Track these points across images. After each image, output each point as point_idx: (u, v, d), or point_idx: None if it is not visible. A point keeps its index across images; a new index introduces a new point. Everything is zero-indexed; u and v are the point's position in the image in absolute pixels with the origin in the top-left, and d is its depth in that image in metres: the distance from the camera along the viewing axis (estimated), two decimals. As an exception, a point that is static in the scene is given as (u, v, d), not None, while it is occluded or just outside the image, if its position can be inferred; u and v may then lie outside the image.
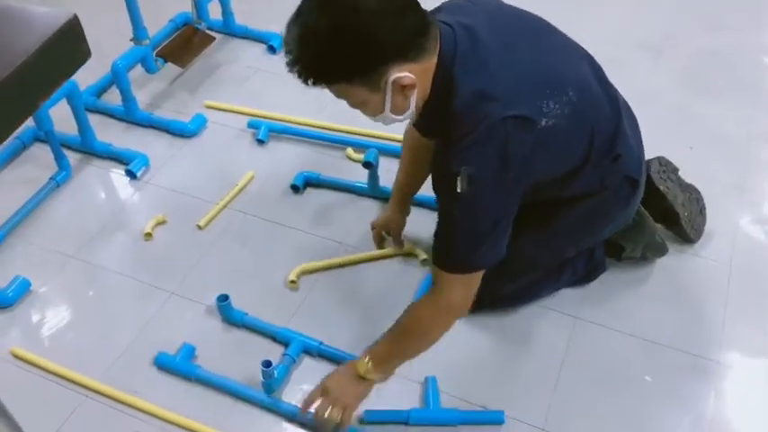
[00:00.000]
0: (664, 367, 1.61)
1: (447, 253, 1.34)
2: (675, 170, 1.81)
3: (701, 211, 1.83)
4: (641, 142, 1.59)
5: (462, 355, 1.64)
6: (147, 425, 1.52)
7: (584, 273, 1.73)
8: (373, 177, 1.93)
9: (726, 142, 2.13)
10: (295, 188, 2.00)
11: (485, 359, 1.63)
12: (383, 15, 1.17)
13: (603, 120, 1.43)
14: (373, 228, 1.82)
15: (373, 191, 1.96)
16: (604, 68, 1.53)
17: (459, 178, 1.24)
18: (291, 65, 1.23)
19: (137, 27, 2.16)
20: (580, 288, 1.75)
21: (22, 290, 1.76)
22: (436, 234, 1.36)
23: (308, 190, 2.02)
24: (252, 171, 2.07)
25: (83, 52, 0.63)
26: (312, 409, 1.43)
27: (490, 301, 1.62)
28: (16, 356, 1.64)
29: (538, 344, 1.66)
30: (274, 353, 1.62)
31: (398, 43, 1.20)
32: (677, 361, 1.62)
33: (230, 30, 2.55)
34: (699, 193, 1.84)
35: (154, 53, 2.27)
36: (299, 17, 1.22)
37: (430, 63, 1.26)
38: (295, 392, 1.57)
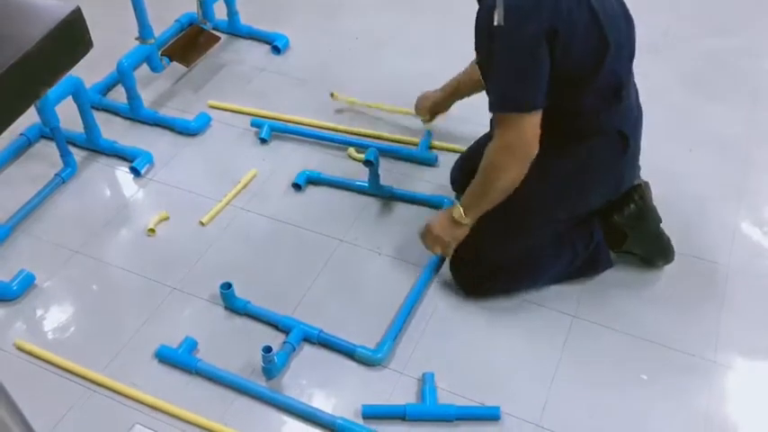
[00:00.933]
0: (660, 366, 1.62)
1: (493, 94, 1.49)
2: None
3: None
4: (641, 111, 1.68)
5: (460, 351, 1.66)
6: (148, 417, 1.54)
7: (587, 258, 1.73)
8: (374, 176, 1.95)
9: (725, 144, 2.14)
10: (297, 186, 2.03)
11: (482, 355, 1.65)
12: None
13: (619, 56, 1.52)
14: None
15: (374, 189, 1.98)
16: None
17: (495, 11, 1.36)
18: None
19: (142, 26, 2.18)
20: (579, 285, 1.76)
21: (27, 283, 1.78)
22: (485, 84, 1.54)
23: (310, 188, 2.05)
24: (254, 169, 2.09)
25: (85, 43, 0.65)
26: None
27: (492, 274, 1.70)
28: (20, 349, 1.66)
29: (535, 341, 1.67)
30: (276, 342, 1.65)
31: None
32: (673, 360, 1.63)
33: (235, 30, 2.58)
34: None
35: (159, 52, 2.30)
36: None
37: None
38: (295, 380, 1.59)
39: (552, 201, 1.65)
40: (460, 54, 1.93)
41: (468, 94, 1.97)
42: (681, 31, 2.56)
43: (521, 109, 1.46)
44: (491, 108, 1.51)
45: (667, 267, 1.80)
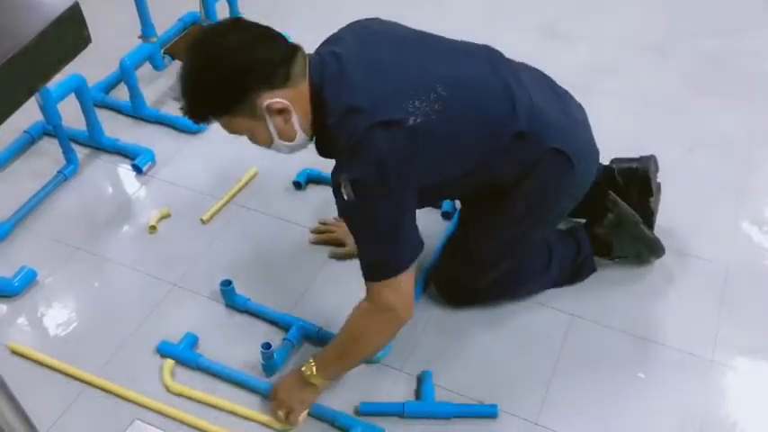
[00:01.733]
0: (657, 364, 1.63)
1: (365, 263, 1.39)
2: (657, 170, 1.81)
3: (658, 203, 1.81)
4: (571, 113, 1.55)
5: (458, 349, 1.66)
6: (148, 413, 1.55)
7: (575, 267, 1.75)
8: (374, 174, 1.95)
9: (726, 144, 2.14)
10: (297, 185, 2.04)
11: (480, 354, 1.66)
12: (241, 50, 1.32)
13: (491, 106, 1.42)
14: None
15: (374, 188, 1.99)
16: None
17: (342, 187, 1.31)
18: (182, 110, 1.40)
19: (145, 25, 2.20)
20: (575, 286, 1.77)
21: (29, 280, 1.80)
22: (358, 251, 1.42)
23: (311, 186, 2.06)
24: (255, 167, 2.10)
25: (83, 38, 0.66)
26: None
27: (483, 291, 1.68)
28: (14, 352, 1.66)
29: (533, 340, 1.68)
30: (276, 339, 1.65)
31: (261, 72, 1.32)
32: (671, 358, 1.64)
33: (237, 29, 2.59)
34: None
35: (161, 51, 2.31)
36: (181, 69, 1.37)
37: (301, 89, 1.36)
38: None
39: (521, 226, 1.57)
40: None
41: None
42: (682, 31, 2.56)
43: (406, 266, 1.37)
44: (367, 275, 1.39)
45: (666, 266, 1.80)
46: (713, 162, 2.08)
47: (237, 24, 1.42)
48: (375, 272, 1.38)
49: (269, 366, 1.58)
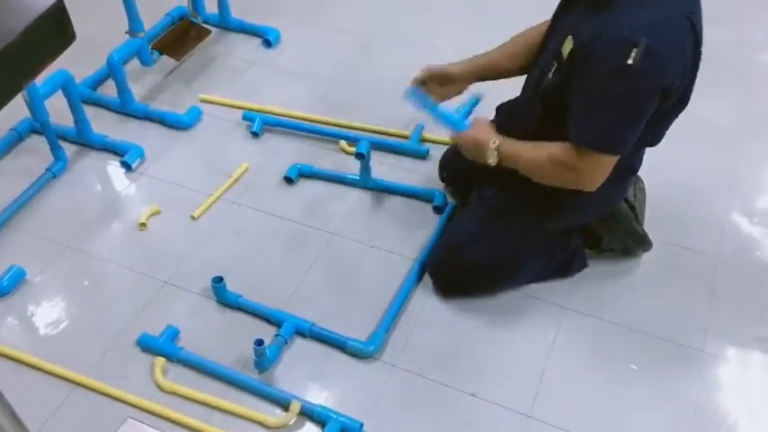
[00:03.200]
0: (649, 356, 1.63)
1: (589, 128, 1.38)
2: None
3: (645, 197, 1.82)
4: None
5: (451, 343, 1.66)
6: (139, 411, 1.54)
7: (564, 261, 1.75)
8: (365, 169, 1.95)
9: (716, 134, 2.15)
10: (288, 180, 2.03)
11: (474, 348, 1.66)
12: None
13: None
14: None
15: (365, 182, 1.99)
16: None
17: (635, 50, 1.25)
18: None
19: (132, 20, 2.18)
20: (567, 279, 1.77)
21: (18, 278, 1.78)
22: (578, 110, 1.39)
23: (302, 181, 2.05)
24: (246, 163, 2.09)
25: (68, 36, 0.65)
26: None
27: (463, 278, 1.70)
28: (2, 354, 1.64)
29: (526, 333, 1.68)
30: (268, 335, 1.65)
31: None
32: (663, 350, 1.64)
33: (226, 23, 2.57)
34: (642, 181, 1.83)
35: (150, 46, 2.29)
36: None
37: None
38: (287, 372, 1.60)
39: (548, 218, 1.65)
40: (452, 44, 1.93)
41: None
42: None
43: (613, 152, 1.40)
44: (580, 138, 1.40)
45: (656, 258, 1.81)
46: (704, 153, 2.09)
47: None
48: (600, 143, 1.38)
49: (261, 363, 1.58)
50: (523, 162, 1.53)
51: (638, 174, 1.74)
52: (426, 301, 1.75)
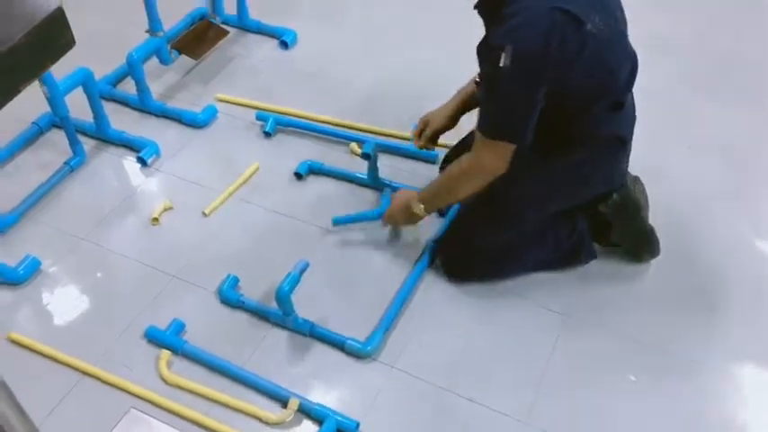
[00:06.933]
0: (649, 368, 1.64)
1: (486, 118, 1.53)
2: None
3: (647, 199, 1.82)
4: (635, 111, 1.70)
5: (450, 346, 1.68)
6: (143, 402, 1.58)
7: (570, 247, 1.77)
8: (372, 169, 1.98)
9: (726, 145, 2.14)
10: (298, 175, 2.07)
11: (473, 352, 1.67)
12: None
13: (624, 63, 1.57)
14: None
15: (373, 182, 2.02)
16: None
17: (503, 53, 1.39)
18: None
19: (152, 19, 2.23)
20: (570, 281, 1.78)
21: (33, 268, 1.84)
22: (480, 105, 1.57)
23: (311, 180, 2.08)
24: (257, 162, 2.13)
25: (67, 41, 0.69)
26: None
27: (469, 259, 1.76)
28: (14, 342, 1.70)
29: (525, 339, 1.69)
30: (271, 335, 1.69)
31: None
32: (663, 362, 1.64)
33: (244, 25, 2.62)
34: (642, 183, 1.84)
35: (169, 45, 2.34)
36: None
37: None
38: (285, 369, 1.63)
39: (547, 196, 1.69)
40: (468, 45, 1.93)
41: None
42: (685, 30, 2.56)
43: (510, 140, 1.52)
44: (479, 128, 1.54)
45: (660, 266, 1.81)
46: (713, 163, 2.08)
47: None
48: (497, 131, 1.51)
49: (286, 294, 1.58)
50: (440, 189, 1.71)
51: (639, 176, 1.77)
52: (427, 303, 1.77)
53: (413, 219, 1.77)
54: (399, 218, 1.81)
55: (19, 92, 0.64)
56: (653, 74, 2.36)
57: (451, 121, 1.88)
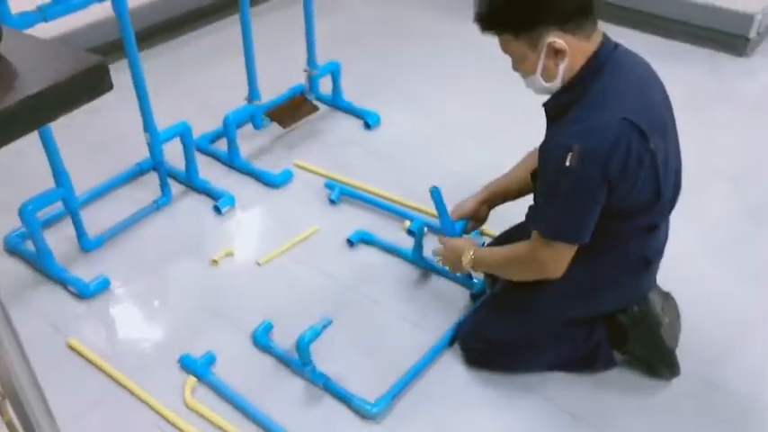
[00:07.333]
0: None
1: (546, 219, 1.57)
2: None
3: (678, 317, 1.81)
4: (667, 233, 1.72)
5: (454, 428, 1.71)
6: (167, 424, 1.72)
7: (587, 352, 1.77)
8: (417, 246, 2.10)
9: (762, 271, 2.08)
10: (350, 242, 2.22)
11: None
12: None
13: (667, 187, 1.59)
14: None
15: (416, 259, 2.13)
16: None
17: (570, 153, 1.43)
18: (475, 16, 1.52)
19: (251, 89, 2.52)
20: (586, 384, 1.78)
21: (102, 287, 2.08)
22: (536, 200, 1.63)
23: (361, 247, 2.23)
24: (318, 226, 2.31)
25: (105, 85, 0.89)
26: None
27: (488, 350, 1.79)
28: (70, 347, 1.91)
29: None
30: (290, 382, 1.81)
31: (562, 11, 1.45)
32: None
33: (336, 104, 2.88)
34: (675, 300, 1.82)
35: (263, 113, 2.63)
36: None
37: (584, 46, 1.49)
38: (296, 416, 1.72)
39: (565, 303, 1.71)
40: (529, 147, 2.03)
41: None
42: (758, 161, 2.54)
43: (569, 241, 1.55)
44: (538, 228, 1.58)
45: (683, 386, 1.77)
46: (747, 288, 2.04)
47: None
48: (556, 232, 1.55)
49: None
50: (494, 261, 1.75)
51: (670, 293, 1.77)
52: (441, 380, 1.82)
53: (458, 267, 1.81)
54: (448, 257, 1.83)
55: (53, 120, 0.84)
56: (718, 198, 2.37)
57: (485, 209, 1.94)
